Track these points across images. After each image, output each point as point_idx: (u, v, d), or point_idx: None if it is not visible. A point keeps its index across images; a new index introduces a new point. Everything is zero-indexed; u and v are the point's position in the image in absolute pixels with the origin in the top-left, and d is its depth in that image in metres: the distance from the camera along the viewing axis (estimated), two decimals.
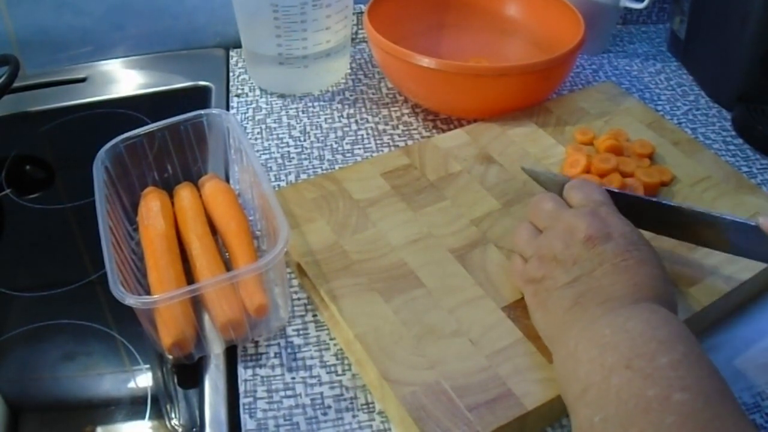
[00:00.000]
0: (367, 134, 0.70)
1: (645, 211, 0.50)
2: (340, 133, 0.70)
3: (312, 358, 0.50)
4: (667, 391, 0.35)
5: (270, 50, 0.71)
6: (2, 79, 0.69)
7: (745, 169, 0.67)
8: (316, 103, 0.74)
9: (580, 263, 0.43)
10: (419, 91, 0.69)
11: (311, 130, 0.71)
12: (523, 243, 0.48)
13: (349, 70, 0.80)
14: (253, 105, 0.75)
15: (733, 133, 0.71)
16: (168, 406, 0.48)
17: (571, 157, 0.61)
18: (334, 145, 0.69)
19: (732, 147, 0.69)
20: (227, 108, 0.75)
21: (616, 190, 0.50)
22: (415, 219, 0.56)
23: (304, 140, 0.69)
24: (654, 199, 0.50)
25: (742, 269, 0.51)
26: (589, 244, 0.43)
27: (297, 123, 0.72)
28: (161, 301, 0.45)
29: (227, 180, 0.64)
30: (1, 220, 0.64)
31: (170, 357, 0.49)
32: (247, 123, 0.72)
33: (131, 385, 0.50)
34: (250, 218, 0.58)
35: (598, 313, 0.41)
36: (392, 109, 0.74)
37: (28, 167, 0.72)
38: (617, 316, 0.41)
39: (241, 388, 0.48)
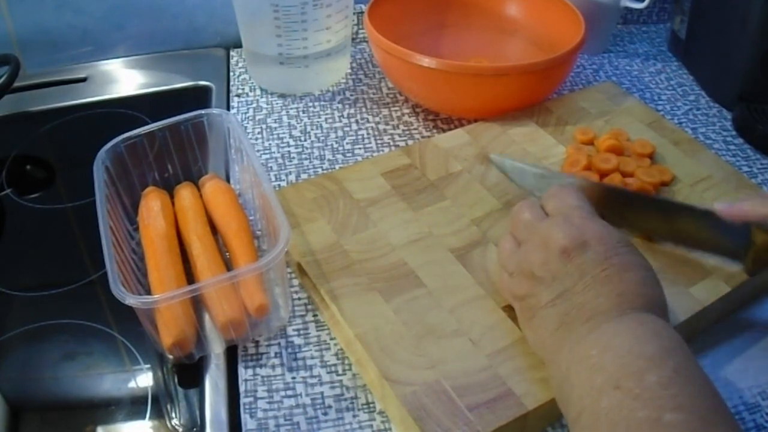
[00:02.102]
0: (368, 134, 0.70)
1: (618, 201, 0.50)
2: (340, 133, 0.70)
3: (312, 357, 0.50)
4: (657, 412, 0.34)
5: (270, 50, 0.71)
6: (3, 78, 0.69)
7: (745, 168, 0.67)
8: (316, 103, 0.74)
9: (560, 278, 0.42)
10: (420, 90, 0.69)
11: (312, 129, 0.71)
12: (505, 258, 0.47)
13: (349, 70, 0.80)
14: (254, 105, 0.75)
15: (734, 132, 0.71)
16: (168, 406, 0.48)
17: (572, 156, 0.61)
18: (335, 145, 0.69)
19: (732, 147, 0.69)
20: (228, 108, 0.75)
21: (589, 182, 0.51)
22: (415, 219, 0.56)
23: (305, 140, 0.69)
24: (620, 188, 0.50)
25: (743, 269, 0.51)
26: (566, 257, 0.42)
27: (297, 123, 0.72)
28: (162, 301, 0.45)
29: (228, 180, 0.64)
30: (2, 220, 0.64)
31: (171, 357, 0.49)
32: (248, 123, 0.72)
33: (132, 384, 0.50)
34: (251, 218, 0.59)
35: (584, 332, 0.40)
36: (393, 108, 0.74)
37: (28, 167, 0.72)
38: (603, 333, 0.39)
39: (242, 388, 0.48)
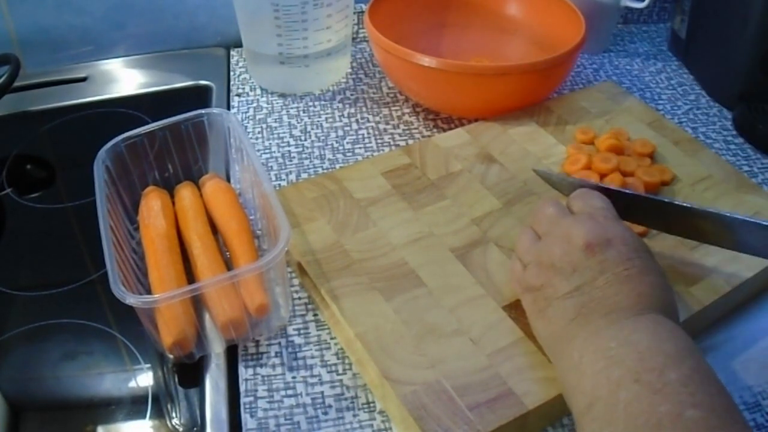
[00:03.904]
0: (368, 133, 0.70)
1: (651, 210, 0.50)
2: (340, 133, 0.70)
3: (313, 357, 0.50)
4: (678, 408, 0.34)
5: (271, 49, 0.71)
6: (3, 78, 0.69)
7: (745, 168, 0.67)
8: (316, 103, 0.74)
9: (580, 271, 0.43)
10: (420, 90, 0.69)
11: (312, 129, 0.71)
12: (523, 249, 0.48)
13: (349, 70, 0.80)
14: (254, 104, 0.75)
15: (734, 132, 0.71)
16: (169, 406, 0.48)
17: (572, 156, 0.61)
18: (335, 145, 0.69)
19: (733, 146, 0.69)
20: (228, 107, 0.75)
21: (628, 191, 0.50)
22: (415, 218, 0.56)
23: (305, 139, 0.69)
24: (663, 199, 0.50)
25: (743, 268, 0.51)
26: (589, 252, 0.43)
27: (298, 122, 0.72)
28: (162, 301, 0.45)
29: (228, 179, 0.64)
30: (2, 219, 0.64)
31: (171, 356, 0.49)
32: (248, 122, 0.72)
33: (132, 384, 0.50)
34: (251, 217, 0.59)
35: (602, 324, 0.41)
36: (393, 108, 0.74)
37: (28, 167, 0.72)
38: (622, 328, 0.40)
39: (242, 388, 0.48)
